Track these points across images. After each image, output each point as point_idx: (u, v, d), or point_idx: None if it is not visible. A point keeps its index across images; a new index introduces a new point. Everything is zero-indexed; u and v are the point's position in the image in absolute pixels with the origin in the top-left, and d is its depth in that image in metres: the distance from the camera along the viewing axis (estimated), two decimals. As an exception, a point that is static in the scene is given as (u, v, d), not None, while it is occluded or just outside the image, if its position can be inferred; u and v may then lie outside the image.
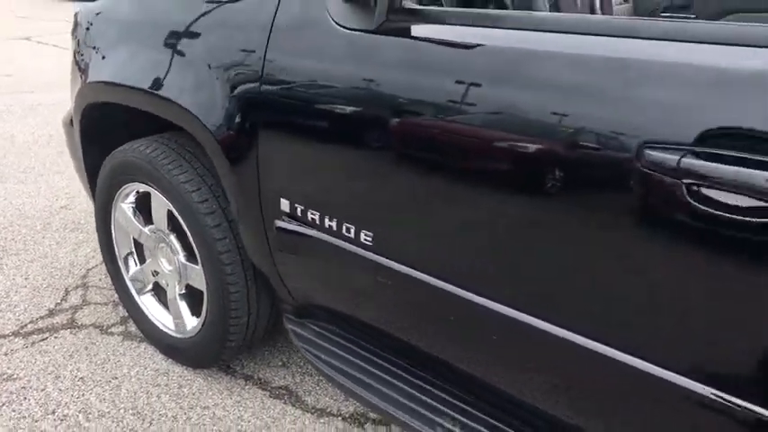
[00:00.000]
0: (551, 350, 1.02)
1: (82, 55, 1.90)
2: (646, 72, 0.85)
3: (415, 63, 1.10)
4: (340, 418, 1.74)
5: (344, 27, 1.16)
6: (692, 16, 2.27)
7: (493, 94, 1.00)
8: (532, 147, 0.95)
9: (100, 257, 2.24)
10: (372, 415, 1.76)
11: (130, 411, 1.74)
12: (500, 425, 1.26)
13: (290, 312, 1.65)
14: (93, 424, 1.69)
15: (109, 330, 2.10)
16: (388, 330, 1.39)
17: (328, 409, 1.77)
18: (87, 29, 1.90)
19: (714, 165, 0.76)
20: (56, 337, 2.05)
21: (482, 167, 1.03)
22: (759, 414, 0.81)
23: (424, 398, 1.35)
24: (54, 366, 1.91)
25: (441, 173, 1.10)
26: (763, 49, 0.77)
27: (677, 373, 0.88)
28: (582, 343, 0.96)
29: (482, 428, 1.26)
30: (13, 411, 1.72)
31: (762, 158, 0.73)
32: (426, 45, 1.10)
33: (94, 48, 1.84)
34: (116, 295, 2.15)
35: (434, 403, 1.33)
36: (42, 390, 1.81)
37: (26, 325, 2.11)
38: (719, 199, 0.76)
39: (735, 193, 0.75)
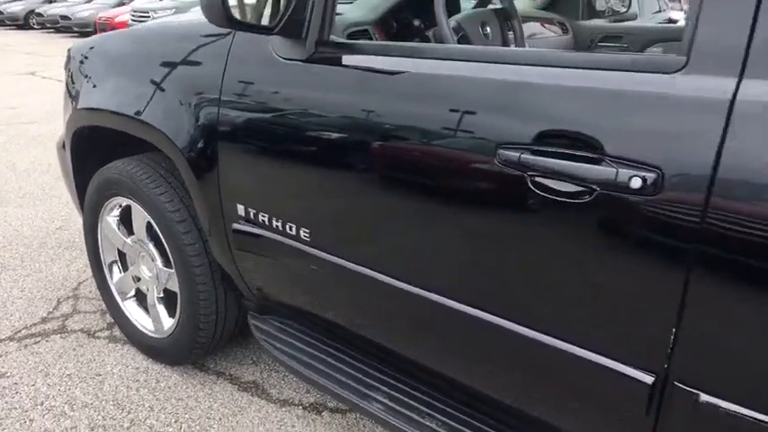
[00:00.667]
0: (435, 312, 1.23)
1: (74, 84, 2.13)
2: (509, 90, 1.07)
3: (341, 86, 1.32)
4: (300, 407, 1.93)
5: (282, 57, 1.40)
6: (625, 45, 2.51)
7: (409, 109, 1.21)
8: (430, 149, 1.17)
9: (90, 273, 2.44)
10: (330, 404, 1.94)
11: (111, 402, 1.93)
12: (435, 403, 1.45)
13: (254, 310, 1.85)
14: (77, 413, 1.88)
15: (96, 335, 2.30)
16: (330, 318, 1.59)
17: (291, 400, 1.96)
18: (81, 62, 2.13)
19: (544, 159, 0.97)
20: (47, 341, 2.25)
21: (391, 172, 1.25)
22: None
23: (365, 379, 1.55)
24: (44, 366, 2.10)
25: (360, 179, 1.31)
26: (577, 70, 1.00)
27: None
28: (461, 308, 1.18)
29: (416, 404, 1.45)
30: (6, 403, 1.91)
31: (574, 153, 0.95)
32: (351, 71, 1.32)
33: (86, 77, 2.06)
34: (103, 304, 2.35)
35: (372, 382, 1.52)
36: (32, 385, 2.00)
37: (20, 331, 2.31)
38: (552, 186, 0.98)
39: (560, 180, 0.96)
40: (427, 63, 1.21)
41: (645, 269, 0.93)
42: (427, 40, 1.71)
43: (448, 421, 1.37)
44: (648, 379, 0.96)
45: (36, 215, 3.50)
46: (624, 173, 0.89)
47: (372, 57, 1.29)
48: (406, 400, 1.43)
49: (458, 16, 1.62)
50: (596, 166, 0.93)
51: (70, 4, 18.35)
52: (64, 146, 2.27)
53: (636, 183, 0.88)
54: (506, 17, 1.78)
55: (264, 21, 1.50)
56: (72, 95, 2.12)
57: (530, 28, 2.38)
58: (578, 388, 1.10)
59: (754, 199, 0.82)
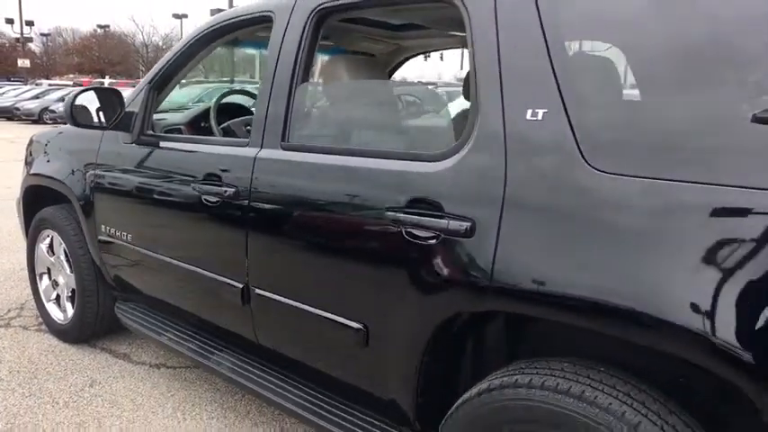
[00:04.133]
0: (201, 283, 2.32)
1: (31, 157, 3.32)
2: (201, 156, 2.23)
3: (151, 158, 2.49)
4: (148, 365, 2.97)
5: (122, 141, 2.58)
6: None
7: (173, 168, 2.37)
8: (180, 187, 2.32)
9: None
10: (168, 364, 2.98)
11: (27, 360, 2.97)
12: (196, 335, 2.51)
13: (120, 299, 2.95)
14: (3, 365, 2.92)
15: (29, 328, 3.37)
16: (156, 296, 2.69)
17: (144, 362, 3.00)
18: (45, 143, 3.29)
19: (207, 187, 2.13)
20: (-6, 331, 3.32)
21: (167, 200, 2.39)
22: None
23: (160, 325, 2.62)
24: (-12, 343, 3.16)
25: (153, 204, 2.46)
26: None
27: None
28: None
29: (196, 340, 2.50)
30: (-42, 358, 2.96)
31: (214, 182, 2.10)
32: (158, 149, 2.49)
33: (45, 153, 3.23)
34: (38, 312, 3.43)
35: (161, 326, 2.59)
36: (-22, 352, 3.06)
37: (-23, 325, 3.38)
38: (210, 199, 2.12)
39: (210, 195, 2.11)
40: (188, 145, 2.39)
41: (234, 234, 2.05)
42: (212, 133, 2.90)
43: (201, 344, 2.43)
44: (240, 285, 2.06)
45: (8, 260, 4.63)
46: (224, 189, 2.04)
47: (171, 142, 2.47)
48: (187, 336, 2.50)
49: (232, 120, 2.84)
50: (218, 188, 2.07)
51: (80, 103, 20.24)
52: (19, 201, 3.44)
53: (227, 193, 2.02)
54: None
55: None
56: (28, 164, 3.31)
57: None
58: (222, 295, 2.18)
59: (262, 199, 1.95)
